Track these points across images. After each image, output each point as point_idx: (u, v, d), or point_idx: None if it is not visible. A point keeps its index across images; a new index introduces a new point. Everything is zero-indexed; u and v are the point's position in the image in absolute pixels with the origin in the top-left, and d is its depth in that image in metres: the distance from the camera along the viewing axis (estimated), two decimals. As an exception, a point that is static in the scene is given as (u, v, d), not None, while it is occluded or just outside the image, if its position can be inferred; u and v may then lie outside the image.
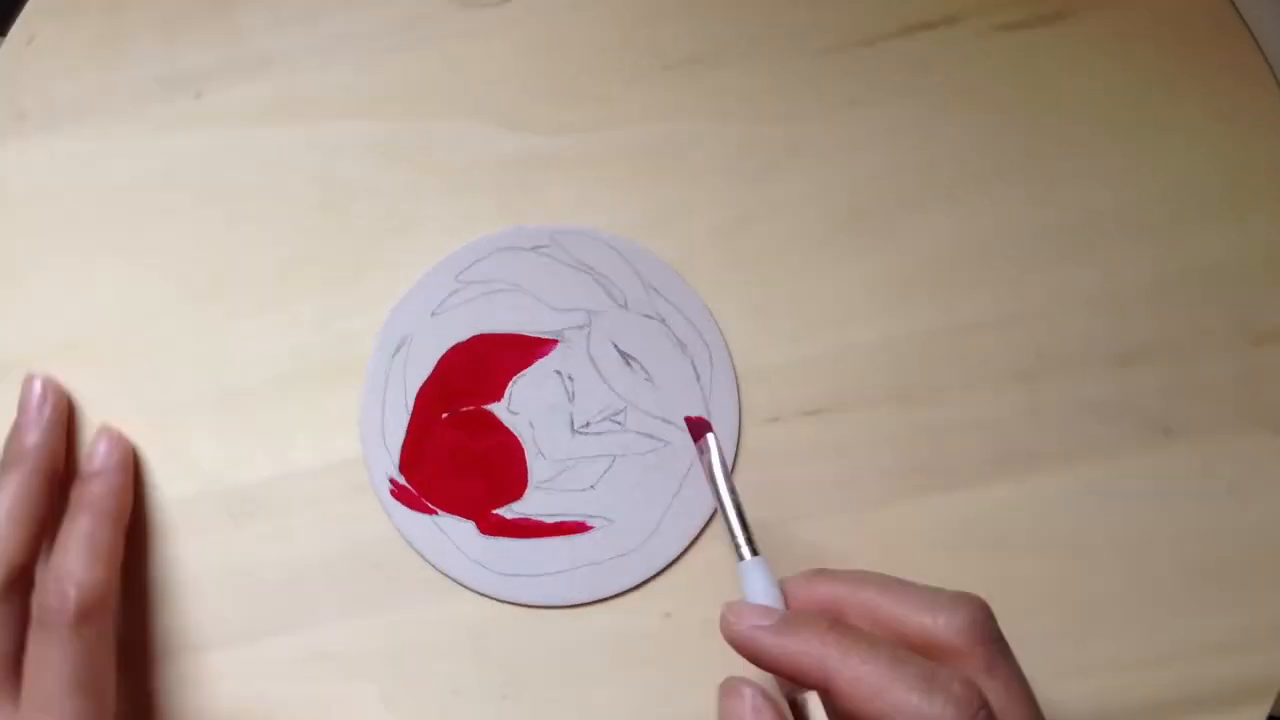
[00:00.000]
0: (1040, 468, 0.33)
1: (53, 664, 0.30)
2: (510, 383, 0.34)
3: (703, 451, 0.31)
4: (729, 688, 0.27)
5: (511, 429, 0.34)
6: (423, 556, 0.34)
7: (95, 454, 0.34)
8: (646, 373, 0.34)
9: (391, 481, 0.34)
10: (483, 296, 0.34)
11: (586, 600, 0.33)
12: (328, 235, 0.35)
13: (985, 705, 0.24)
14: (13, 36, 0.36)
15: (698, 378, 0.34)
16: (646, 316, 0.34)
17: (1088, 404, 0.34)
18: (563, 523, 0.33)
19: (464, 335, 0.34)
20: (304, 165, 0.35)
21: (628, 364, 0.34)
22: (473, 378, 0.34)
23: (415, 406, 0.34)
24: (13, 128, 0.36)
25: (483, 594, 0.33)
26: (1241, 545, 0.33)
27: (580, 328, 0.34)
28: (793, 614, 0.27)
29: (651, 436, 0.34)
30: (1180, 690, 0.33)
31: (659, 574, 0.33)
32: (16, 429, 0.34)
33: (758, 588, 0.28)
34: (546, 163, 0.35)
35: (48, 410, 0.34)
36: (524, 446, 0.34)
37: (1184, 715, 0.33)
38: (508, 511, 0.34)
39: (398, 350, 0.34)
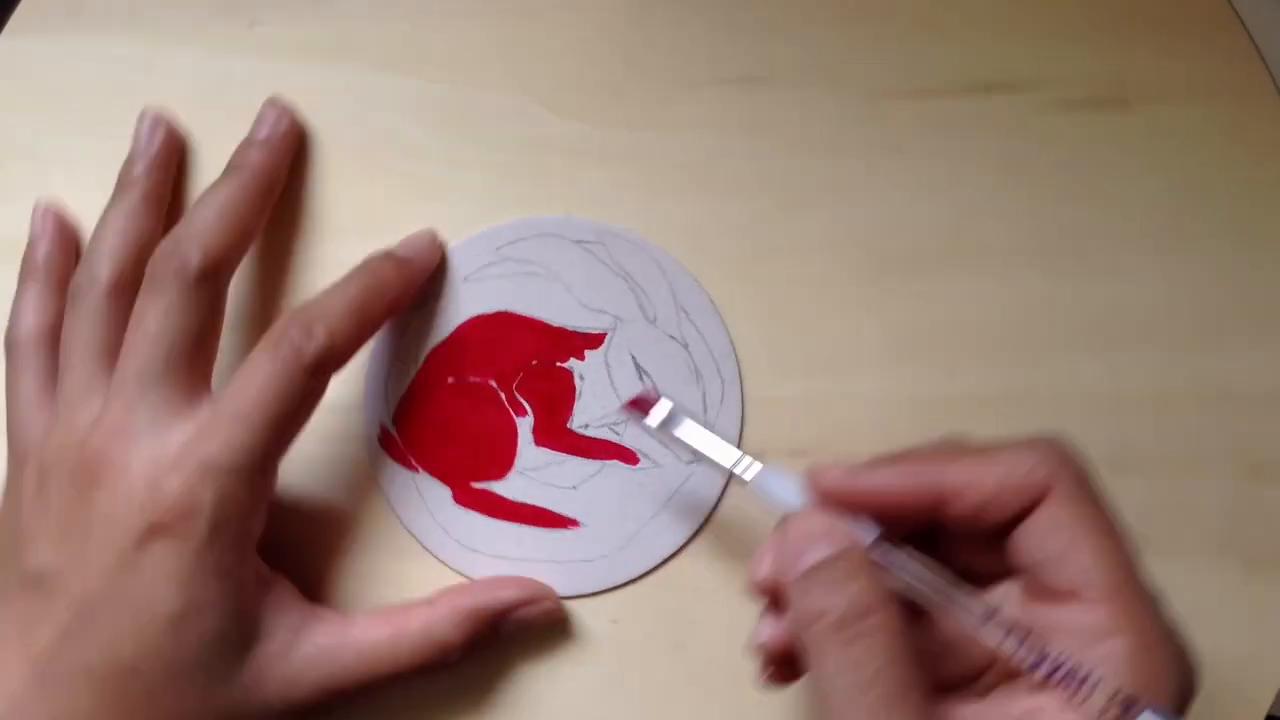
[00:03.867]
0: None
1: (256, 393, 0.29)
2: (523, 366, 0.34)
3: (659, 424, 0.29)
4: (789, 521, 0.26)
5: (511, 411, 0.34)
6: (394, 511, 0.34)
7: (262, 122, 0.34)
8: (657, 392, 0.34)
9: (382, 429, 0.34)
10: (518, 275, 0.34)
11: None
12: (358, 183, 0.35)
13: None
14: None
15: (705, 409, 0.34)
16: (671, 337, 0.34)
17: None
18: (537, 511, 0.34)
19: (490, 309, 0.34)
20: (346, 110, 0.35)
21: (641, 378, 0.34)
22: (488, 351, 0.34)
23: (425, 364, 0.34)
24: (67, 23, 0.36)
25: (441, 560, 0.34)
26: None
27: (605, 331, 0.34)
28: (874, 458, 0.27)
29: (644, 455, 0.34)
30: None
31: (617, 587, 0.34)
32: (128, 159, 0.34)
33: (784, 488, 0.27)
34: (585, 153, 0.35)
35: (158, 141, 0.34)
36: (518, 430, 0.34)
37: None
38: (487, 488, 0.34)
39: (421, 306, 0.34)
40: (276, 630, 0.30)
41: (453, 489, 0.34)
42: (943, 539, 0.27)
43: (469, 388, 0.34)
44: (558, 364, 0.34)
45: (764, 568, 0.27)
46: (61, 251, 0.34)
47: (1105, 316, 0.34)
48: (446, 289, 0.34)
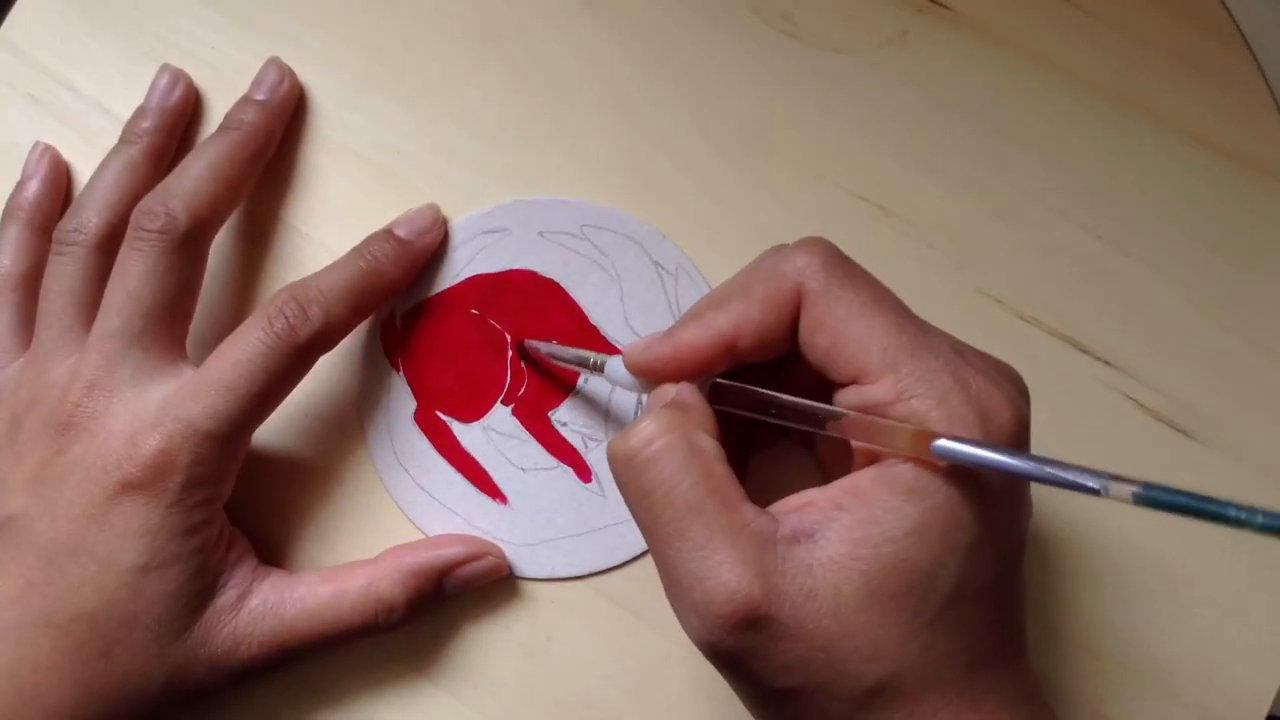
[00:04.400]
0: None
1: (242, 365, 0.29)
2: (542, 340, 0.34)
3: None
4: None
5: (508, 369, 0.34)
6: (356, 401, 0.34)
7: (262, 81, 0.34)
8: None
9: (390, 315, 0.34)
10: (587, 259, 0.34)
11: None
12: (509, 99, 0.35)
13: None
14: None
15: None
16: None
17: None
18: (478, 470, 0.34)
19: (546, 272, 0.34)
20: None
21: (638, 406, 0.34)
22: (522, 307, 0.34)
23: (463, 283, 0.34)
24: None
25: (377, 473, 0.34)
26: None
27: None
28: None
29: (598, 479, 0.34)
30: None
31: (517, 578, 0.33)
32: (136, 112, 0.34)
33: (622, 373, 0.29)
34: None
35: (175, 96, 0.34)
36: (505, 390, 0.34)
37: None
38: (446, 422, 0.34)
39: (488, 233, 0.34)
40: (229, 587, 0.30)
41: (419, 404, 0.34)
42: (798, 372, 0.28)
43: (486, 327, 0.34)
44: (572, 357, 0.34)
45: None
46: (50, 196, 0.34)
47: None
48: (518, 231, 0.34)
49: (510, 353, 0.34)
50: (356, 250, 0.32)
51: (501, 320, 0.34)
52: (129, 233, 0.30)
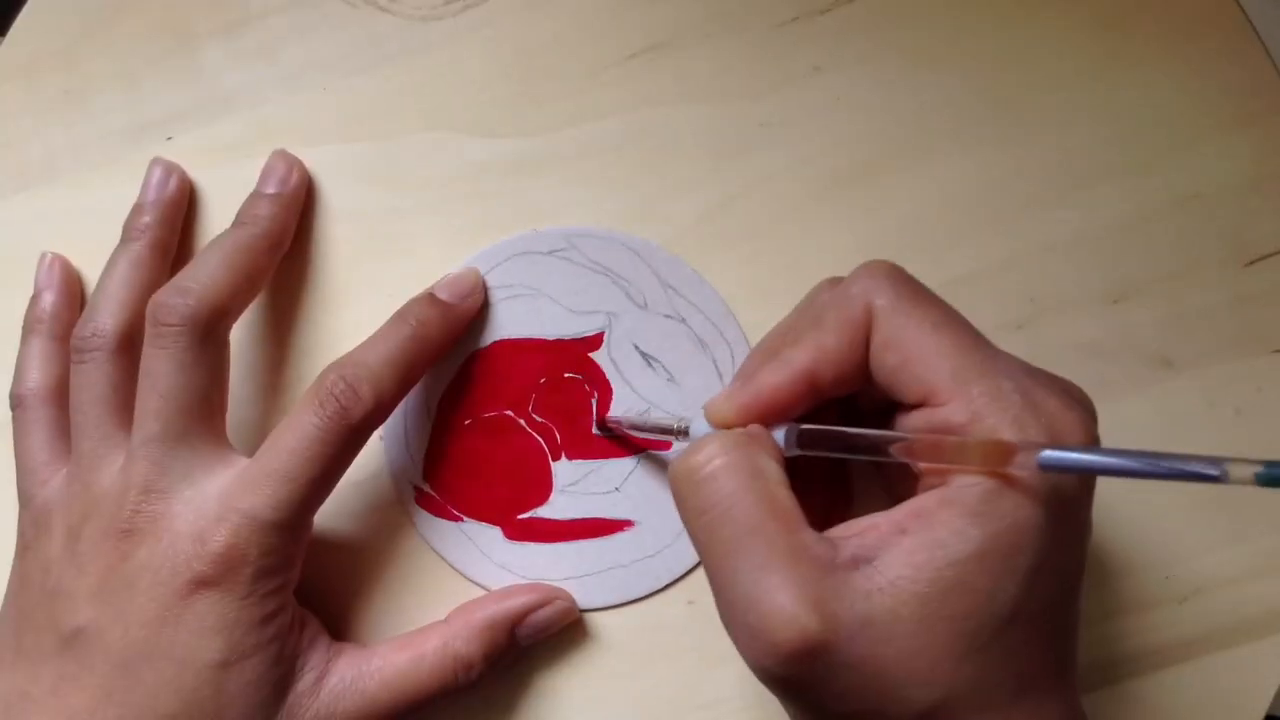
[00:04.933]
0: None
1: (298, 452, 0.29)
2: (532, 387, 0.34)
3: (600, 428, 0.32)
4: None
5: (533, 434, 0.34)
6: (449, 563, 0.34)
7: (270, 174, 0.34)
8: (669, 373, 0.34)
9: (417, 489, 0.34)
10: (501, 302, 0.34)
11: (614, 603, 0.33)
12: (312, 262, 0.35)
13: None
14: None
15: (720, 376, 0.34)
16: (666, 316, 0.34)
17: (1087, 346, 0.34)
18: (588, 523, 0.33)
19: (485, 342, 0.34)
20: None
21: (649, 365, 0.34)
22: (495, 383, 0.34)
23: (437, 414, 0.34)
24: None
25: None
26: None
27: (600, 330, 0.34)
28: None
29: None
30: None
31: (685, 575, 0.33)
32: (135, 208, 0.34)
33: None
34: (521, 166, 0.35)
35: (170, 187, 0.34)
36: (546, 450, 0.34)
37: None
38: (533, 516, 0.34)
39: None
40: (306, 670, 0.30)
41: (502, 527, 0.34)
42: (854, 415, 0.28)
43: (488, 423, 0.34)
44: (566, 375, 0.34)
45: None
46: (67, 304, 0.34)
47: (1062, 163, 0.34)
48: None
49: (522, 420, 0.34)
50: (400, 316, 0.32)
51: (492, 406, 0.34)
52: (149, 331, 0.30)
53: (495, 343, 0.34)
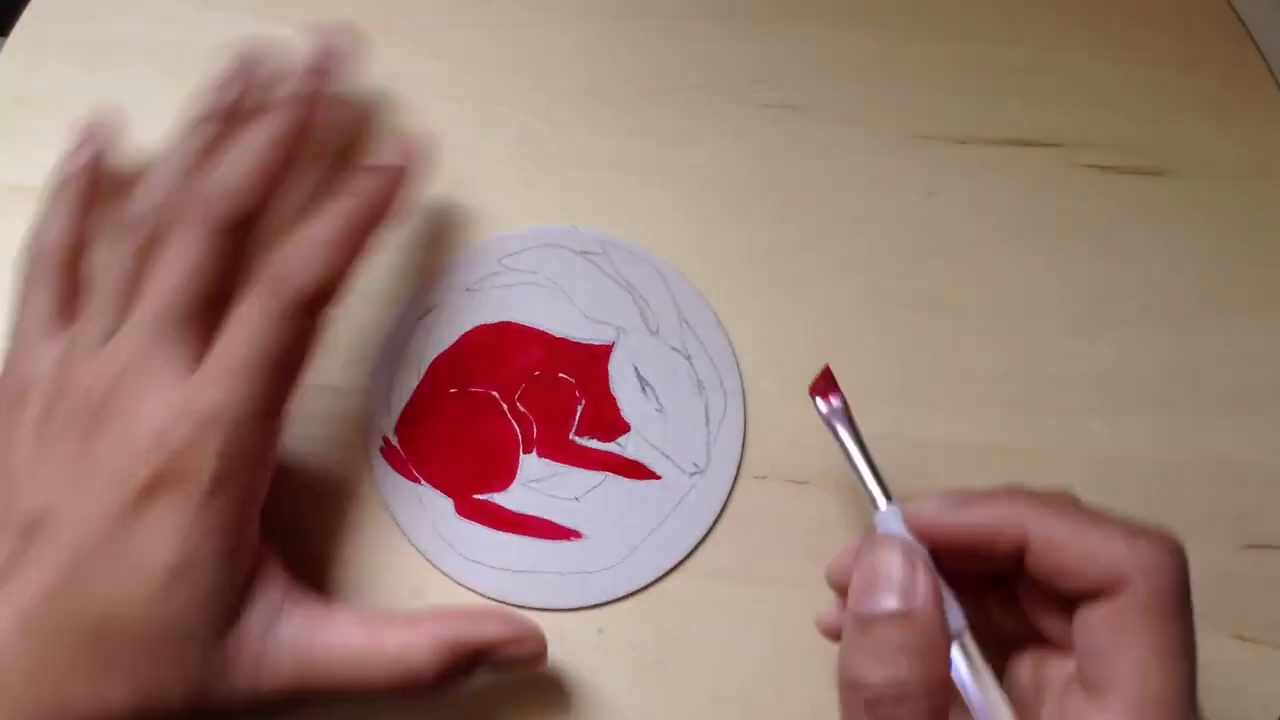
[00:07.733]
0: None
1: (248, 340, 0.28)
2: (525, 377, 0.34)
3: (828, 412, 0.30)
4: (875, 540, 0.26)
5: (513, 421, 0.34)
6: (397, 523, 0.34)
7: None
8: (659, 403, 0.34)
9: (384, 440, 0.34)
10: (521, 286, 0.34)
11: (536, 606, 0.33)
12: None
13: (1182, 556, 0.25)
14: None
15: (707, 422, 0.34)
16: (674, 349, 0.34)
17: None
18: (539, 522, 0.33)
19: (494, 318, 0.34)
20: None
21: (643, 390, 0.34)
22: (490, 362, 0.34)
23: (427, 374, 0.34)
24: None
25: (444, 572, 0.33)
26: None
27: (610, 343, 0.34)
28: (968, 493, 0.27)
29: (647, 467, 0.34)
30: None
31: (616, 600, 0.33)
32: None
33: (896, 531, 0.27)
34: (590, 164, 0.35)
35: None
36: (520, 441, 0.34)
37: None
38: (489, 499, 0.34)
39: (424, 315, 0.34)
40: (258, 605, 0.29)
41: (455, 500, 0.34)
42: (1024, 587, 0.27)
43: (471, 398, 0.34)
44: (560, 375, 0.34)
45: (839, 570, 0.28)
46: (107, 167, 0.33)
47: (1117, 378, 0.34)
48: (449, 298, 0.34)
49: (505, 405, 0.34)
50: (336, 192, 0.31)
51: (481, 383, 0.34)
52: (178, 220, 0.29)
53: (502, 323, 0.34)
